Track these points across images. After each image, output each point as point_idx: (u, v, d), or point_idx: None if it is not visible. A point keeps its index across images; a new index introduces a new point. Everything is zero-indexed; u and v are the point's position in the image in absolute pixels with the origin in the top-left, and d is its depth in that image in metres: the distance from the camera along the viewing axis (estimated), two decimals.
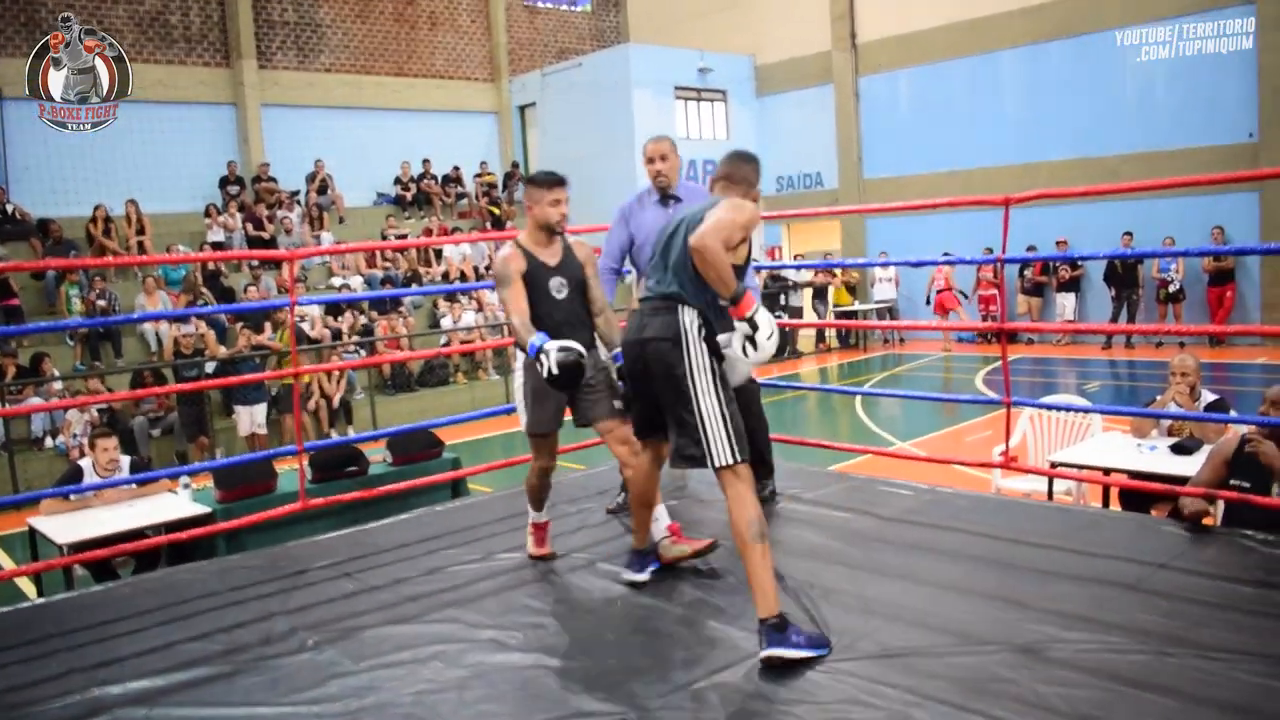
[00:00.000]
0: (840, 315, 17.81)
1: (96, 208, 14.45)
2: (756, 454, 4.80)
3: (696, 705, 2.80)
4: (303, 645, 3.38)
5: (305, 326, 12.63)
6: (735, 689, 2.89)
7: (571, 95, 19.97)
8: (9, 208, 14.40)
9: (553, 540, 4.29)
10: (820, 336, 18.46)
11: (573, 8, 22.80)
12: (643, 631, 3.36)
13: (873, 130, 19.08)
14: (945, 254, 13.22)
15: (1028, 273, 16.73)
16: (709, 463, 3.16)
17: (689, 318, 3.23)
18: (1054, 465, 5.33)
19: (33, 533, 5.81)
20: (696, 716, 2.74)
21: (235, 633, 3.56)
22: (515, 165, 20.62)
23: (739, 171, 3.42)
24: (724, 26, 20.94)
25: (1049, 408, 5.99)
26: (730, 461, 3.15)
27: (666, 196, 4.64)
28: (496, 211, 18.91)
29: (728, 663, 3.05)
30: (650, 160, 4.59)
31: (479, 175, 19.77)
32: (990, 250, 15.15)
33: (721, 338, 3.29)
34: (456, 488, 6.74)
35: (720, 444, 3.15)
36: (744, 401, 4.80)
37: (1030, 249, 14.94)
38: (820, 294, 18.12)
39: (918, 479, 5.22)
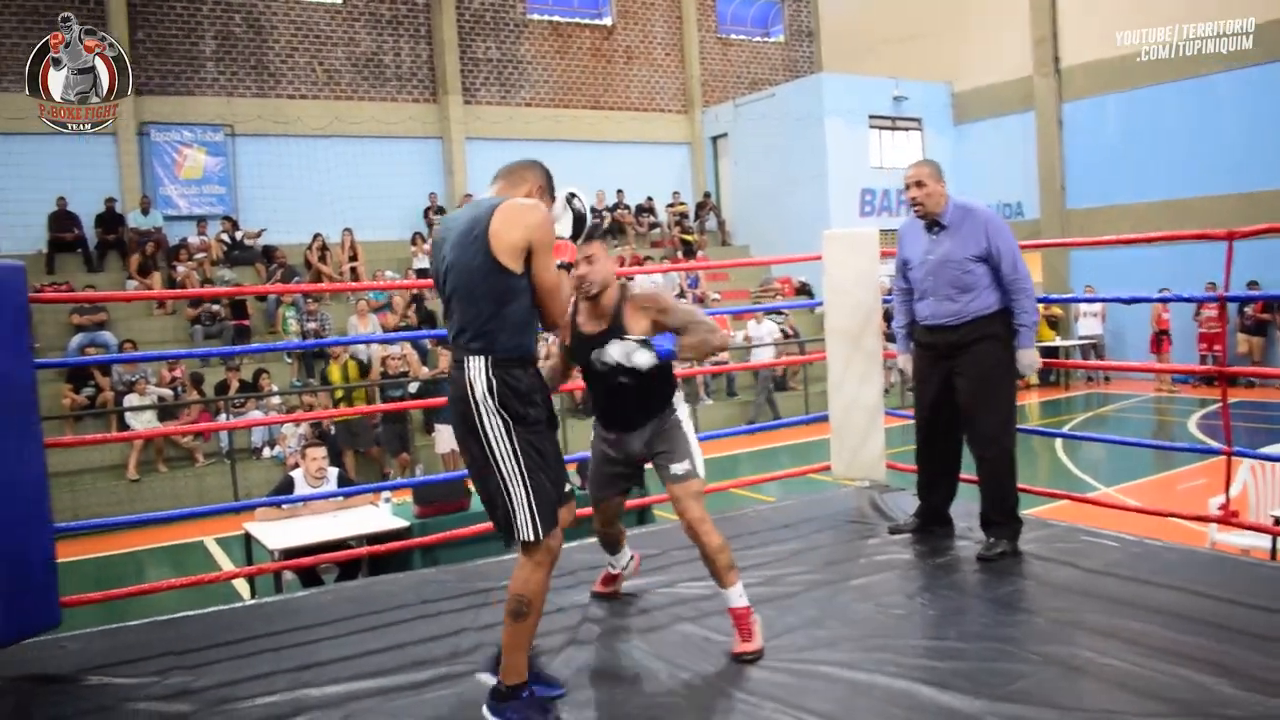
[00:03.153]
0: (1042, 352, 17.04)
1: (315, 236, 15.44)
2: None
3: None
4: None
5: None
6: None
7: (763, 126, 20.00)
8: (238, 235, 15.57)
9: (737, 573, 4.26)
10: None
11: (766, 39, 22.87)
12: (819, 677, 3.28)
13: (1077, 158, 18.25)
14: (1162, 290, 12.47)
15: (1249, 310, 15.59)
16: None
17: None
18: (1278, 521, 4.92)
19: (248, 537, 6.22)
20: None
21: (426, 645, 3.68)
22: (707, 195, 20.79)
23: None
24: (920, 54, 20.53)
25: (1274, 459, 5.54)
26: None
27: (931, 223, 4.49)
28: (689, 240, 19.10)
29: None
30: (905, 187, 4.52)
31: (671, 205, 20.03)
32: (1213, 286, 14.23)
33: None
34: (642, 514, 6.80)
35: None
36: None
37: (1252, 285, 13.92)
38: None
39: (1124, 529, 4.90)
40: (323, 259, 15.29)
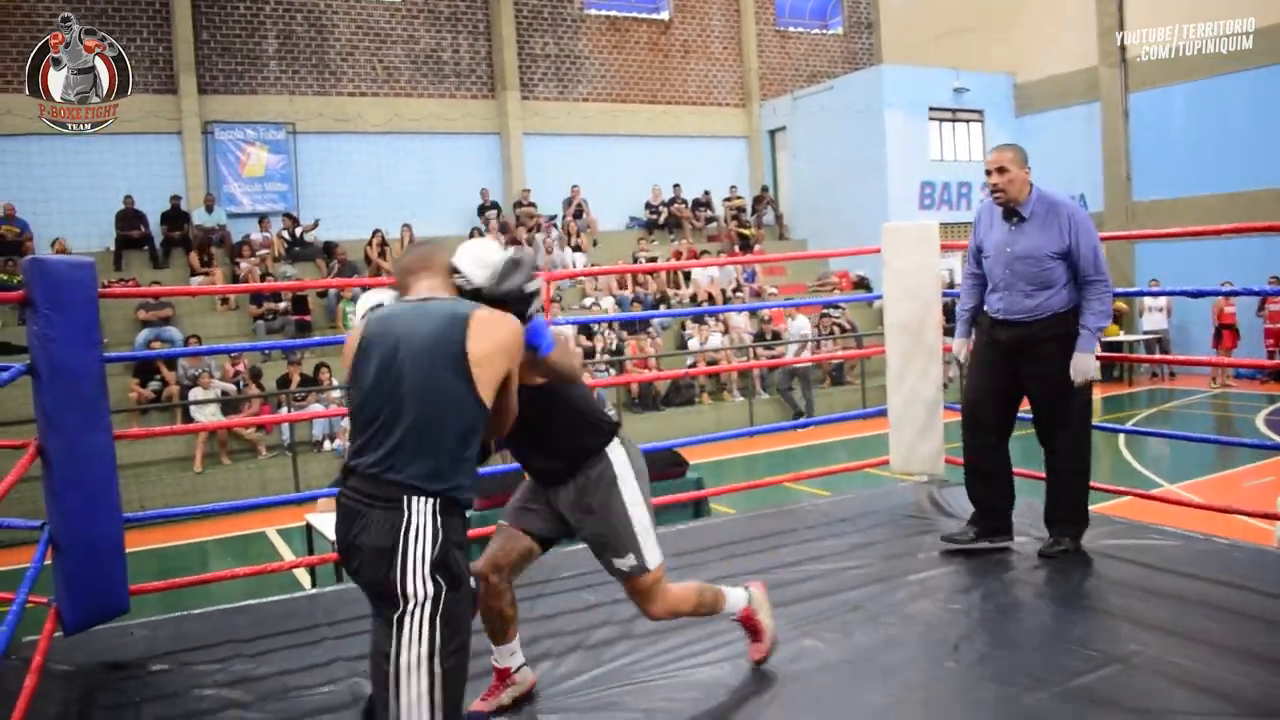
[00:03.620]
0: (1105, 346, 16.73)
1: (374, 232, 15.64)
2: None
3: None
4: (545, 653, 3.49)
5: None
6: None
7: (822, 118, 19.85)
8: (299, 231, 15.81)
9: (792, 572, 4.22)
10: None
11: (824, 31, 22.68)
12: (877, 671, 3.25)
13: (1143, 150, 17.83)
14: (1224, 283, 12.20)
15: None
16: None
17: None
18: None
19: (309, 528, 6.32)
20: None
21: (479, 636, 3.70)
22: (765, 189, 20.68)
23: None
24: (981, 45, 20.20)
25: None
26: None
27: (1010, 213, 4.24)
28: (746, 234, 19.02)
29: None
30: (986, 172, 4.26)
31: (728, 199, 19.96)
32: (1276, 280, 13.87)
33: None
34: (698, 507, 6.78)
35: None
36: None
37: None
38: None
39: (1188, 526, 4.79)
40: (382, 254, 15.47)
